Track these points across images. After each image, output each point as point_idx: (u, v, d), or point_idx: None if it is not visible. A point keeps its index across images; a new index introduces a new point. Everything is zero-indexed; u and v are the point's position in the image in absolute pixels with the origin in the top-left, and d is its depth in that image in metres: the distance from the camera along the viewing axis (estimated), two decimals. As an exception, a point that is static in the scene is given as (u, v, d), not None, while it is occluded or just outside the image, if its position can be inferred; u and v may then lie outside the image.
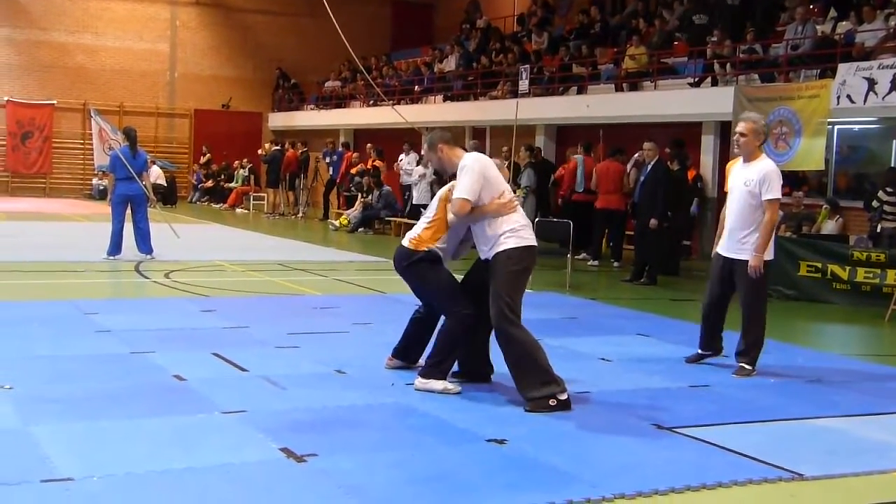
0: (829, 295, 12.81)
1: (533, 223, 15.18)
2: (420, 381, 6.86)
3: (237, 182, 30.50)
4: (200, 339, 8.48)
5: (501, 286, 6.59)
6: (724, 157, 17.41)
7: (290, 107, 33.57)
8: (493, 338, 6.84)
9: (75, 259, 14.32)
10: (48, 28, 31.51)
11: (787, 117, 15.27)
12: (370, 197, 22.64)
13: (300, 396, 6.61)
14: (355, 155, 25.68)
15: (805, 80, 16.01)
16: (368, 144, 25.39)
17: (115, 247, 14.23)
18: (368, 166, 23.97)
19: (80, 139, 31.64)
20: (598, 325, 10.36)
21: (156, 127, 32.63)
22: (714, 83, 18.14)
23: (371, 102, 28.65)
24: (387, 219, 22.51)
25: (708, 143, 18.37)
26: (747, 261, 7.81)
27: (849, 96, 14.83)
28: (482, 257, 6.84)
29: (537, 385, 6.46)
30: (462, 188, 6.64)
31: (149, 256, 14.31)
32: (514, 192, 7.19)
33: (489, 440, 5.74)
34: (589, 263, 16.68)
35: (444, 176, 7.31)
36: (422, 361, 7.19)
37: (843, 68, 15.04)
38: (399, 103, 25.38)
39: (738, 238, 7.90)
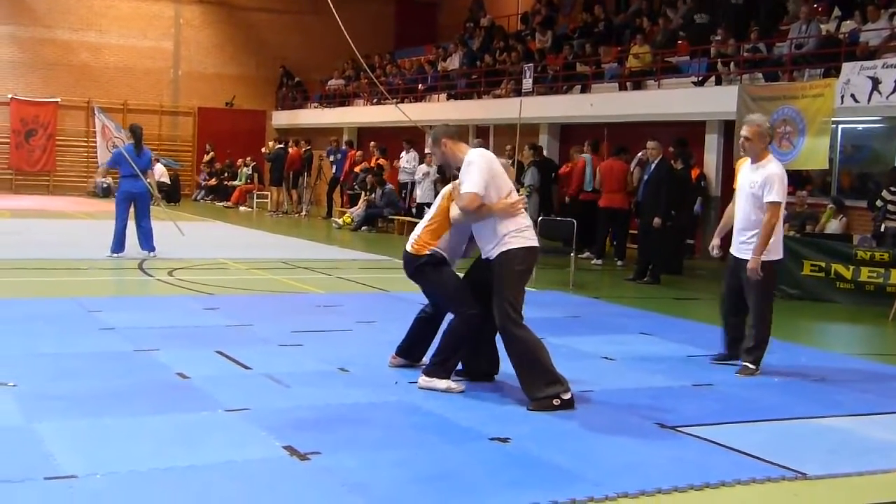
0: (832, 294, 12.80)
1: (536, 222, 15.24)
2: (424, 380, 6.86)
3: (241, 180, 30.52)
4: (204, 337, 8.49)
5: (506, 286, 6.60)
6: (727, 156, 17.40)
7: (293, 105, 33.59)
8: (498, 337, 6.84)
9: (79, 257, 14.33)
10: (52, 26, 31.53)
11: (791, 116, 15.28)
12: (373, 195, 22.66)
13: (303, 394, 6.61)
14: (359, 153, 25.70)
15: (809, 80, 16.00)
16: (372, 143, 25.41)
17: (119, 244, 14.23)
18: (372, 164, 23.99)
19: (84, 137, 31.69)
20: (602, 324, 10.35)
21: (159, 125, 32.64)
22: (718, 82, 18.12)
23: (374, 101, 28.65)
24: (390, 217, 22.51)
25: (712, 142, 18.34)
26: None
27: (853, 95, 14.82)
28: (484, 256, 6.83)
29: (541, 384, 6.47)
30: (470, 182, 6.59)
31: (151, 254, 14.32)
32: (518, 190, 7.17)
33: (493, 439, 5.74)
34: (592, 262, 16.68)
35: (447, 173, 7.29)
36: (425, 360, 7.20)
37: (847, 67, 15.03)
38: (402, 102, 25.40)
39: (744, 238, 7.91)
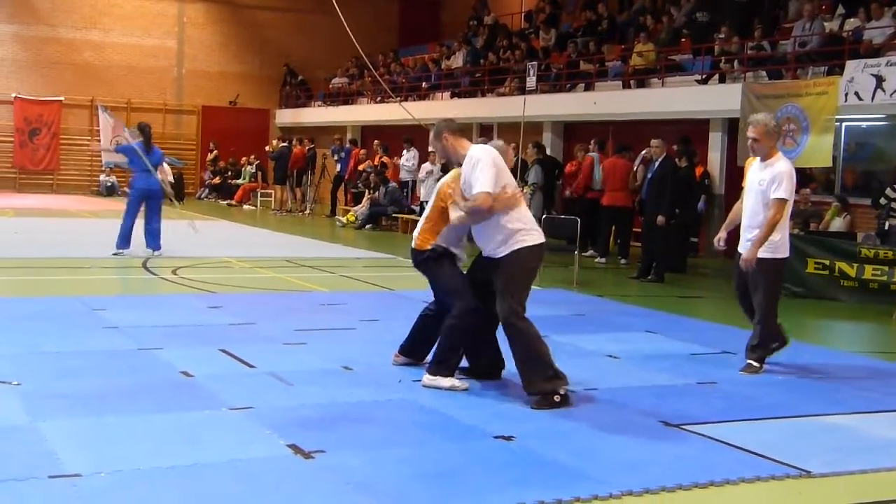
0: (836, 292, 12.79)
1: (540, 220, 15.24)
2: (427, 378, 6.86)
3: (244, 178, 30.55)
4: (208, 336, 8.49)
5: (515, 284, 6.59)
6: (731, 154, 17.40)
7: (297, 103, 33.60)
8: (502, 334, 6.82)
9: (82, 255, 14.35)
10: (56, 24, 31.56)
11: (795, 114, 15.26)
12: (377, 193, 22.67)
13: (307, 393, 6.61)
14: (363, 151, 25.70)
15: (813, 77, 15.98)
16: (375, 141, 25.41)
17: (125, 240, 14.23)
18: (375, 163, 24.00)
19: (88, 136, 31.69)
20: (606, 322, 10.34)
21: (163, 123, 32.62)
22: (722, 80, 18.10)
23: (378, 99, 28.67)
24: (393, 215, 22.51)
25: (715, 140, 18.34)
26: (760, 258, 7.82)
27: (857, 93, 14.81)
28: (488, 254, 6.76)
29: (542, 380, 6.47)
30: (482, 182, 6.48)
31: (155, 253, 14.33)
32: (522, 189, 7.15)
33: (496, 437, 5.74)
34: (596, 261, 16.68)
35: (449, 169, 7.26)
36: (429, 359, 7.19)
37: (850, 65, 15.01)
38: (406, 100, 25.41)
39: (750, 236, 7.90)
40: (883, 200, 14.18)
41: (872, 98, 14.70)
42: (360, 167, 24.59)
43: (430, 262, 7.04)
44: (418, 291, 7.23)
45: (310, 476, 4.98)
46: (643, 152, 15.95)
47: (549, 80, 22.27)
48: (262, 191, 29.45)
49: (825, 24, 16.90)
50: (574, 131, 21.98)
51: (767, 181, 7.75)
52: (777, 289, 8.12)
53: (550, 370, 6.50)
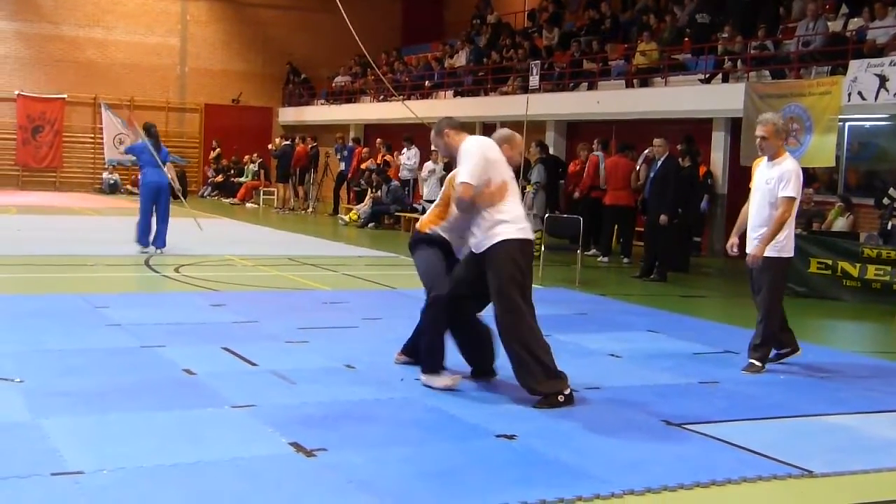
0: (839, 292, 12.78)
1: (543, 219, 15.23)
2: (424, 378, 6.85)
3: (247, 177, 30.56)
4: (210, 334, 8.50)
5: (504, 280, 6.43)
6: (734, 154, 17.39)
7: (300, 102, 33.61)
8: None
9: (85, 253, 14.37)
10: (59, 22, 31.58)
11: (799, 114, 15.26)
12: (380, 192, 22.67)
13: (310, 391, 6.61)
14: (365, 150, 25.71)
15: (816, 77, 15.98)
16: (378, 139, 25.41)
17: (145, 235, 14.42)
18: (378, 161, 24.01)
19: (91, 133, 31.74)
20: (608, 322, 10.34)
21: (166, 121, 32.61)
22: (725, 80, 18.10)
23: (381, 98, 28.66)
24: (396, 214, 22.52)
25: (718, 140, 18.33)
26: (765, 257, 7.82)
27: (860, 93, 14.79)
28: (474, 248, 6.64)
29: (544, 380, 6.44)
30: (463, 173, 6.48)
31: (159, 251, 14.36)
32: (525, 188, 7.12)
33: (499, 436, 5.73)
34: (599, 260, 16.68)
35: (453, 167, 7.24)
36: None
37: (854, 65, 15.00)
38: (409, 99, 25.40)
39: (757, 235, 7.89)
40: (886, 200, 14.17)
41: (876, 98, 14.69)
42: (363, 166, 24.59)
43: (421, 243, 7.07)
44: (421, 290, 7.20)
45: (312, 474, 4.98)
46: (646, 151, 15.94)
47: (552, 79, 22.26)
48: (265, 189, 29.46)
49: (829, 23, 16.90)
50: (577, 130, 21.98)
51: (775, 179, 7.76)
52: (781, 288, 8.12)
53: (551, 370, 6.46)
